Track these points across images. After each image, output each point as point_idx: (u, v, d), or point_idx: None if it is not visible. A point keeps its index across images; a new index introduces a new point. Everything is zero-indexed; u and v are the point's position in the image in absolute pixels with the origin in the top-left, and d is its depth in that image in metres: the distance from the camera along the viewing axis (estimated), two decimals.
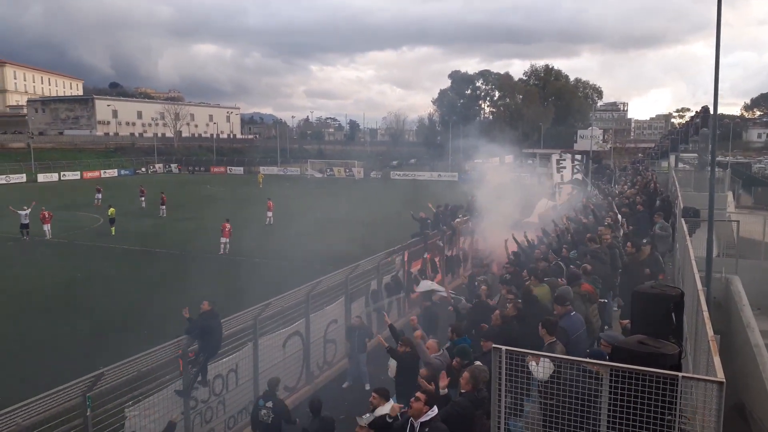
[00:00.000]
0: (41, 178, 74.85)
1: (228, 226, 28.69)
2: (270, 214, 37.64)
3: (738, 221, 17.03)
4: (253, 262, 26.83)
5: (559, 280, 11.54)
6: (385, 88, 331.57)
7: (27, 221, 31.80)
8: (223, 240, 28.48)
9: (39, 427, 7.34)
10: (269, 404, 9.25)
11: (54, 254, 29.15)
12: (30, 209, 32.10)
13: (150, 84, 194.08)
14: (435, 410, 6.57)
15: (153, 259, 28.01)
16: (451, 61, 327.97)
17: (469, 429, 6.87)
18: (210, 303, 9.90)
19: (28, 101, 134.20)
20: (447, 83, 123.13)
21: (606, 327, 12.36)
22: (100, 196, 48.10)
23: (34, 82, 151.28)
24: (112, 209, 35.09)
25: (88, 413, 7.87)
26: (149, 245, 30.85)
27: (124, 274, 24.85)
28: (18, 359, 15.33)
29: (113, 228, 34.11)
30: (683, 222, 14.41)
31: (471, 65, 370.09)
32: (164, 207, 41.61)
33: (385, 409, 7.05)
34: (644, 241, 14.81)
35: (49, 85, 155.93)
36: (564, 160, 31.99)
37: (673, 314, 6.71)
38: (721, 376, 4.89)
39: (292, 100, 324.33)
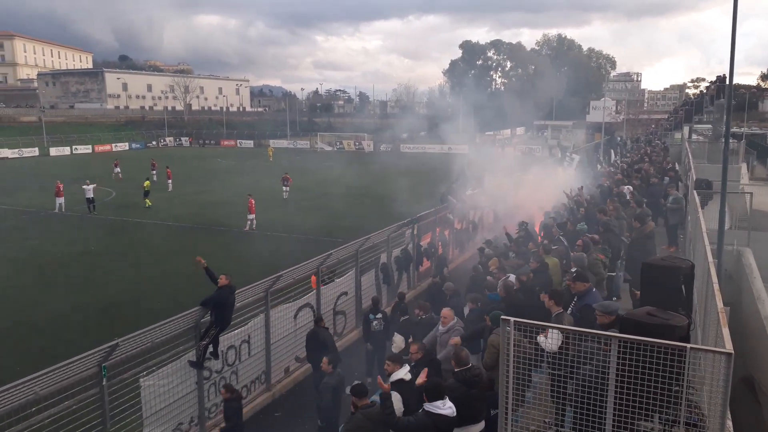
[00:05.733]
0: (53, 151, 75.26)
1: (253, 201, 28.30)
2: (287, 188, 37.46)
3: (751, 193, 16.86)
4: (268, 235, 27.00)
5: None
6: (392, 58, 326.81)
7: (91, 195, 32.69)
8: (250, 216, 28.09)
9: (56, 396, 7.51)
10: (379, 316, 11.70)
11: (67, 227, 29.44)
12: (94, 185, 33.34)
13: (156, 57, 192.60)
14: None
15: (165, 232, 28.22)
16: (459, 30, 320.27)
17: (467, 409, 6.78)
18: (227, 277, 10.01)
19: (38, 75, 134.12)
20: (456, 53, 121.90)
21: (614, 299, 12.39)
22: (118, 169, 48.36)
23: (43, 55, 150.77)
24: (147, 182, 35.64)
25: (104, 383, 8.03)
26: (162, 218, 31.07)
27: (138, 246, 25.10)
28: (36, 330, 15.62)
29: (148, 200, 34.46)
30: (695, 194, 14.30)
31: (480, 35, 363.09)
32: (170, 181, 41.72)
33: (401, 373, 7.20)
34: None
35: (59, 58, 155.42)
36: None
37: (683, 286, 6.71)
38: (729, 347, 4.90)
39: (300, 72, 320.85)
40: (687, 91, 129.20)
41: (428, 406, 6.41)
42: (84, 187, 32.73)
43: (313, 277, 12.77)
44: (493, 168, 23.04)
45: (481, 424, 7.07)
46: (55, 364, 7.31)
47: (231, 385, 9.56)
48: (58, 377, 7.28)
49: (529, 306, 8.80)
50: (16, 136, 78.56)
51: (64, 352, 8.93)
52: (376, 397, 7.81)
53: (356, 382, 7.00)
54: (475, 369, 7.13)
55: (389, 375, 7.29)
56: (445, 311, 9.35)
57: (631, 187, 19.08)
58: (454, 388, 6.83)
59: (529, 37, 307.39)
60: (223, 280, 9.96)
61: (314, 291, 12.80)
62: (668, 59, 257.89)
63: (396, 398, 6.92)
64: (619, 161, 29.98)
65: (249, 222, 28.09)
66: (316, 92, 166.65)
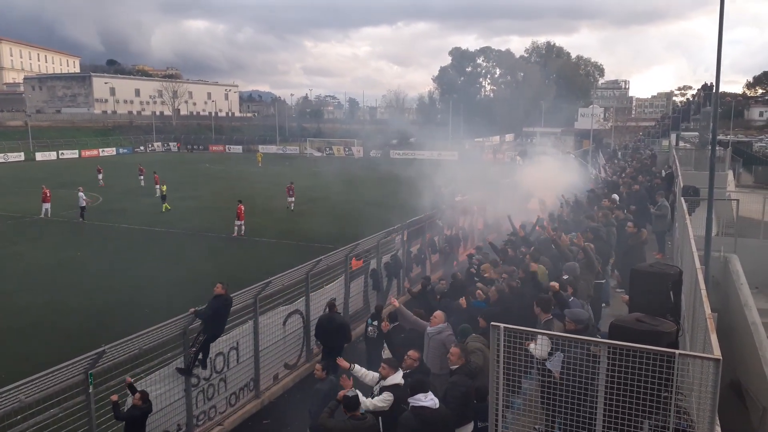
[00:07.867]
0: (39, 156, 74.59)
1: (242, 207, 27.91)
2: (292, 199, 35.29)
3: (738, 200, 17.08)
4: (257, 241, 26.89)
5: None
6: (381, 64, 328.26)
7: (84, 204, 32.10)
8: (237, 222, 27.80)
9: (42, 403, 7.41)
10: (375, 323, 11.38)
11: (53, 233, 29.13)
12: (84, 195, 32.61)
13: (144, 61, 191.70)
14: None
15: (153, 238, 28.00)
16: (448, 37, 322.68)
17: (470, 401, 7.01)
18: (223, 286, 9.91)
19: (24, 79, 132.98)
20: (445, 60, 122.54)
21: (603, 305, 12.45)
22: (101, 176, 47.88)
23: (30, 59, 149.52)
24: (164, 186, 36.03)
25: (90, 390, 7.94)
26: (149, 224, 30.83)
27: (125, 252, 24.86)
28: (21, 337, 15.41)
29: (166, 204, 34.80)
30: (683, 201, 14.42)
31: (469, 41, 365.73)
32: (158, 186, 41.27)
33: (396, 378, 7.25)
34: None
35: (45, 62, 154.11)
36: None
37: (671, 292, 6.75)
38: (717, 353, 4.92)
39: (289, 78, 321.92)
40: (674, 98, 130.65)
41: (411, 400, 6.53)
42: (80, 194, 32.16)
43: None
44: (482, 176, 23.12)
45: (471, 425, 7.14)
46: (40, 371, 7.22)
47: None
48: (43, 384, 7.19)
49: (521, 307, 8.85)
50: (2, 141, 77.67)
51: (49, 359, 8.83)
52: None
53: (350, 393, 6.90)
54: (473, 362, 7.38)
55: (385, 378, 7.36)
56: (437, 312, 9.34)
57: (617, 196, 19.21)
58: (462, 382, 7.05)
59: (518, 45, 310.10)
60: (219, 289, 9.84)
61: (303, 298, 12.74)
62: (656, 67, 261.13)
63: (387, 399, 7.08)
64: (608, 168, 30.28)
65: (237, 228, 27.93)
66: (305, 98, 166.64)
